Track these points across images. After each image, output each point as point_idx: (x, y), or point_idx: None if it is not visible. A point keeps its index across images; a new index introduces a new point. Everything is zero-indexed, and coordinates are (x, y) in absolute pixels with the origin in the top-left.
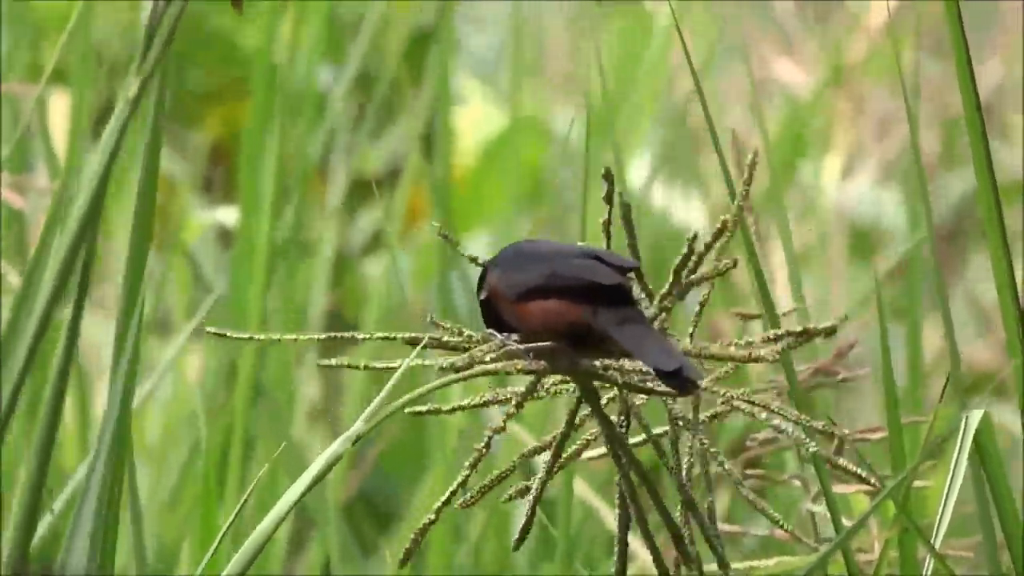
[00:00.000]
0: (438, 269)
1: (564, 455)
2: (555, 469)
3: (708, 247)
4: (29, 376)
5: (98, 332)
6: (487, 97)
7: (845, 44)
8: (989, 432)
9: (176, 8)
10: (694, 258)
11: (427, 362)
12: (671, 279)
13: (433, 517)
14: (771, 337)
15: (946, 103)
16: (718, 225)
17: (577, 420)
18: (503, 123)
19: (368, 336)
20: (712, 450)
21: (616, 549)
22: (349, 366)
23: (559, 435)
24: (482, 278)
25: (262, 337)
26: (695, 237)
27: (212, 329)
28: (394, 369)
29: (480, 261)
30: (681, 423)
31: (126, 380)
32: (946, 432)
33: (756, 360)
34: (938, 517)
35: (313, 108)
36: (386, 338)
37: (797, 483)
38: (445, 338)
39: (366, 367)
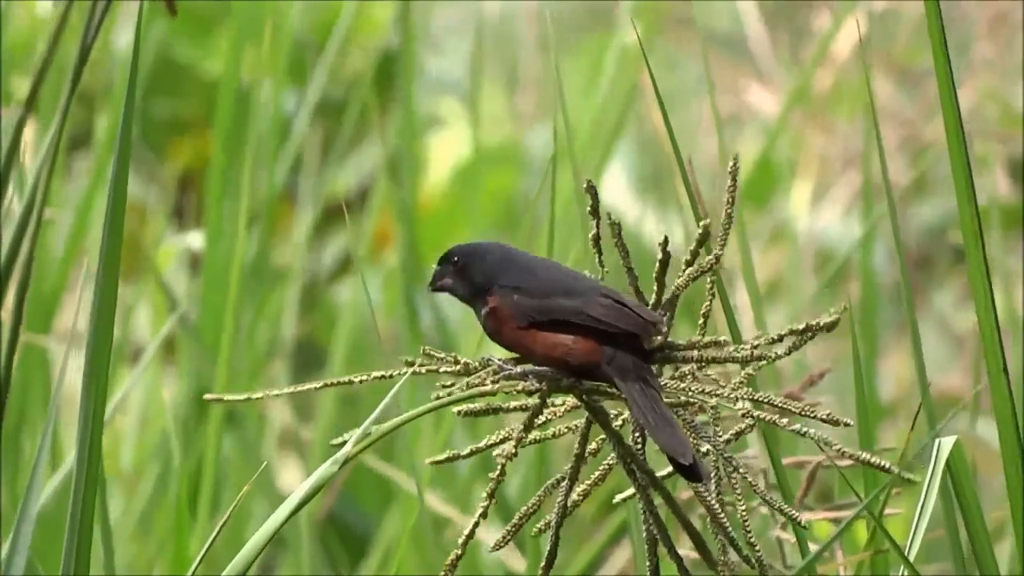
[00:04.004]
0: (404, 293)
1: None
2: (572, 503)
3: (695, 252)
4: None
5: (72, 361)
6: (459, 120)
7: (815, 74)
8: (961, 458)
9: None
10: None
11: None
12: (656, 287)
13: (460, 552)
14: (776, 337)
15: (915, 132)
16: (699, 231)
17: (590, 445)
18: (474, 147)
19: (363, 378)
20: (737, 459)
21: (648, 566)
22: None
23: (574, 458)
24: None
25: (259, 395)
26: (667, 240)
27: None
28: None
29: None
30: (703, 438)
31: (96, 404)
32: (917, 457)
33: (761, 359)
34: (909, 539)
35: (279, 133)
36: (383, 377)
37: (765, 510)
38: (443, 369)
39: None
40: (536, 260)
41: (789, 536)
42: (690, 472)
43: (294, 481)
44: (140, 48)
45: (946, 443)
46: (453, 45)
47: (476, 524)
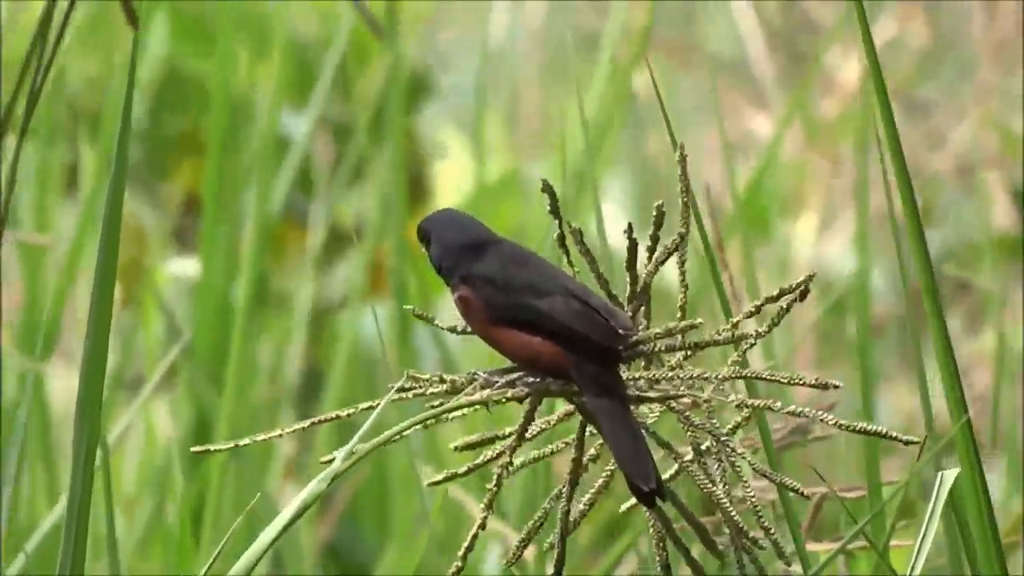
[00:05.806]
0: (404, 324)
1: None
2: (578, 514)
3: (654, 236)
4: None
5: (69, 386)
6: (464, 148)
7: (820, 103)
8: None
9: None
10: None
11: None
12: (628, 279)
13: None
14: (752, 310)
15: (921, 161)
16: (655, 212)
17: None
18: (480, 176)
19: (351, 412)
20: (742, 452)
21: (658, 562)
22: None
23: (572, 464)
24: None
25: (244, 442)
26: (631, 227)
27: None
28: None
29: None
30: (704, 437)
31: (91, 427)
32: (921, 489)
33: (741, 339)
34: (909, 568)
35: (280, 155)
36: (370, 407)
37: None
38: (430, 390)
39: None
40: (509, 248)
41: (796, 569)
42: (647, 497)
43: None
44: (136, 68)
45: (948, 475)
46: (457, 69)
47: (475, 536)
